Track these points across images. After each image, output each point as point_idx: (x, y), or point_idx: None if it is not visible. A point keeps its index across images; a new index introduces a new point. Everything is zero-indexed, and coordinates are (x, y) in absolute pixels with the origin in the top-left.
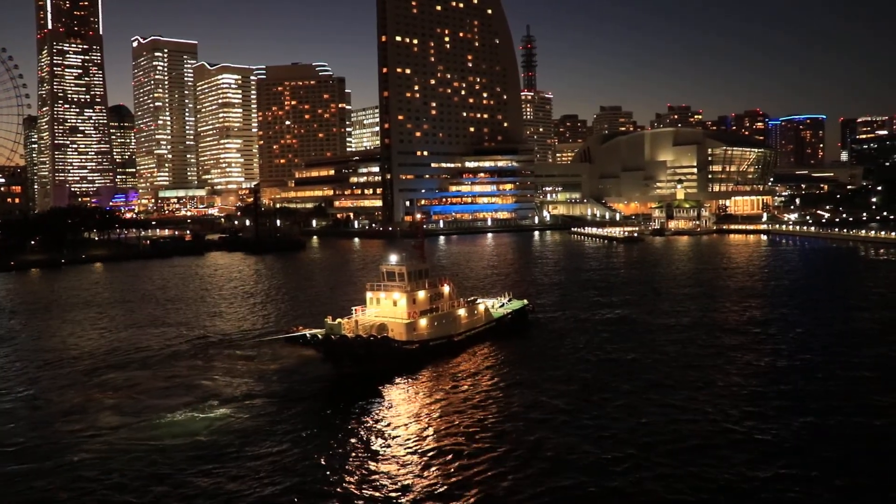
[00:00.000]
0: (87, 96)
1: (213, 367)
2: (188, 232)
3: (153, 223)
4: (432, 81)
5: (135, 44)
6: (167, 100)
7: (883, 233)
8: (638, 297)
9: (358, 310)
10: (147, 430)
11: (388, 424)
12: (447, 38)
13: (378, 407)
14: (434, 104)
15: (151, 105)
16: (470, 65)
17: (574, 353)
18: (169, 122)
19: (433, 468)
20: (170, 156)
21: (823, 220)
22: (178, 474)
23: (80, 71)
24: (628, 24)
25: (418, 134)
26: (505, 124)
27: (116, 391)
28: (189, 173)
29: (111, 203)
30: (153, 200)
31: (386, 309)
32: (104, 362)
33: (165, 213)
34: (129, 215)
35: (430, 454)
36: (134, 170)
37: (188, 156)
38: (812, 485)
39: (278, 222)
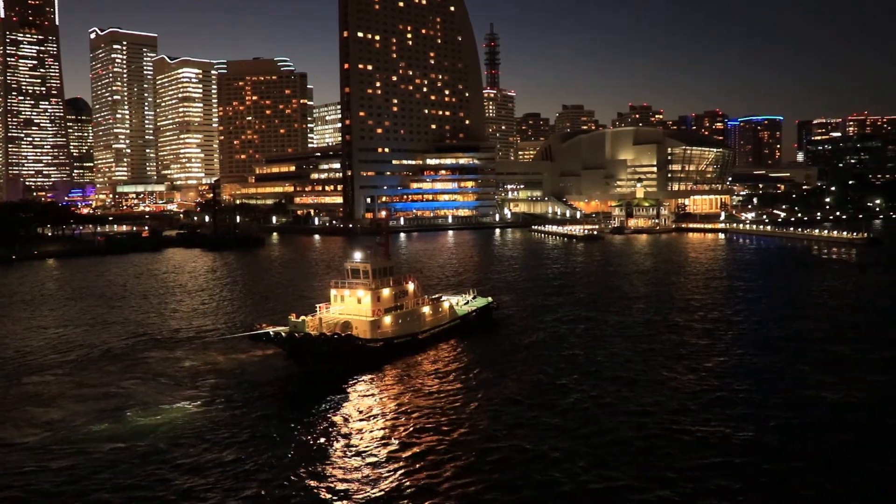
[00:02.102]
0: (43, 88)
1: (170, 366)
2: (146, 228)
3: (110, 219)
4: (394, 78)
5: (92, 35)
6: (126, 93)
7: (835, 232)
8: (597, 295)
9: (322, 307)
10: (97, 431)
11: (352, 423)
12: (409, 35)
13: (342, 405)
14: (396, 101)
15: (110, 98)
16: (432, 62)
17: (537, 350)
18: (128, 116)
19: (396, 466)
20: (128, 150)
21: (779, 220)
22: (131, 479)
23: (35, 62)
24: (592, 24)
25: (380, 130)
26: (467, 122)
27: (63, 390)
28: (148, 168)
29: (67, 198)
30: (111, 196)
31: (350, 306)
32: (46, 361)
33: (123, 209)
34: (85, 210)
35: (393, 452)
36: (91, 164)
37: (147, 150)
38: (755, 472)
39: (238, 219)
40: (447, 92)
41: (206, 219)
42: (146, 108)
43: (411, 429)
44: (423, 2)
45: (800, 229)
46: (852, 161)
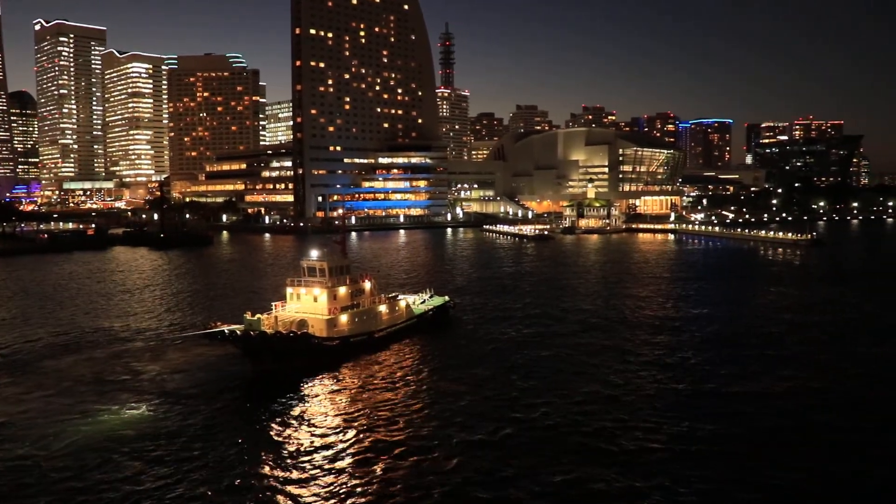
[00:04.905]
0: None
1: (116, 367)
2: (92, 226)
3: (55, 216)
4: (346, 76)
5: (37, 27)
6: (73, 87)
7: (781, 233)
8: (545, 295)
9: (278, 305)
10: (43, 433)
11: (308, 422)
12: (362, 33)
13: (298, 404)
14: (348, 99)
15: (56, 92)
16: (385, 60)
17: (492, 347)
18: (75, 111)
19: (353, 466)
20: (76, 146)
21: (728, 221)
22: (80, 482)
23: None
24: (547, 25)
25: (331, 129)
26: (420, 121)
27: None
28: (96, 165)
29: (10, 194)
30: (57, 192)
31: (306, 305)
32: None
33: (70, 206)
34: (30, 207)
35: (349, 452)
36: (37, 160)
37: (95, 146)
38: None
39: (187, 216)
40: (400, 91)
41: (155, 216)
42: (94, 102)
43: (367, 428)
44: (377, 0)
45: (747, 230)
46: (798, 164)
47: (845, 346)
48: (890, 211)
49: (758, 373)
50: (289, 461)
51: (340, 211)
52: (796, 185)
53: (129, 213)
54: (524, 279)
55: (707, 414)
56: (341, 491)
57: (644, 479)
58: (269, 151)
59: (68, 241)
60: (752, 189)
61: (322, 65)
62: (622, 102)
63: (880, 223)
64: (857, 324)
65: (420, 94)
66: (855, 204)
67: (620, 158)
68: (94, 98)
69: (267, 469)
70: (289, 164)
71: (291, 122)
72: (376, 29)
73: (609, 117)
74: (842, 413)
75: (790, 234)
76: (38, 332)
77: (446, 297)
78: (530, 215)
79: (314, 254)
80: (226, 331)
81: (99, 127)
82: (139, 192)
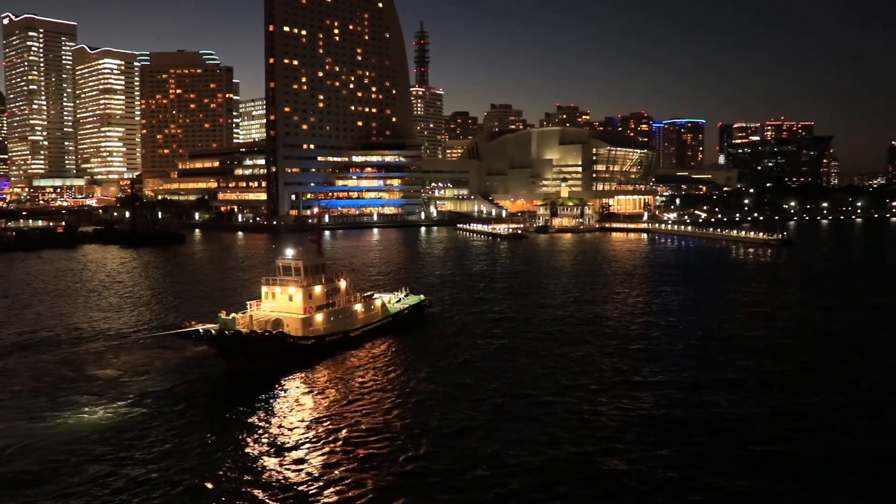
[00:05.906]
0: None
1: (85, 368)
2: (62, 223)
3: (24, 213)
4: (320, 74)
5: (6, 21)
6: (43, 83)
7: (752, 233)
8: (519, 293)
9: (253, 304)
10: (11, 434)
11: (284, 421)
12: (336, 31)
13: (273, 404)
14: (322, 97)
15: (25, 88)
16: (359, 58)
17: (467, 346)
18: (45, 107)
19: (329, 464)
20: (46, 143)
21: (700, 220)
22: (50, 483)
23: None
24: (522, 24)
25: (305, 127)
26: (394, 119)
27: None
28: (67, 162)
29: None
30: (27, 189)
31: (282, 304)
32: None
33: (40, 204)
34: None
35: (325, 450)
36: (6, 156)
37: (66, 143)
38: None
39: (159, 214)
40: (374, 89)
41: (127, 214)
42: (65, 99)
43: (342, 426)
44: None
45: (719, 230)
46: (770, 164)
47: (811, 342)
48: (859, 211)
49: (722, 367)
50: (262, 461)
51: (316, 209)
52: (768, 185)
53: (100, 210)
54: (498, 278)
55: (676, 404)
56: (314, 491)
57: (621, 467)
58: (243, 149)
59: (37, 239)
60: (725, 189)
61: (296, 62)
62: (596, 102)
63: (850, 223)
64: (825, 324)
65: (394, 92)
66: (825, 204)
67: (594, 158)
68: (65, 94)
69: (240, 468)
70: (262, 162)
71: (265, 120)
72: (350, 27)
73: (583, 117)
74: (806, 403)
75: (761, 234)
76: (7, 333)
77: (422, 296)
78: (504, 214)
79: (289, 252)
80: (200, 330)
81: (70, 123)
82: (110, 189)
